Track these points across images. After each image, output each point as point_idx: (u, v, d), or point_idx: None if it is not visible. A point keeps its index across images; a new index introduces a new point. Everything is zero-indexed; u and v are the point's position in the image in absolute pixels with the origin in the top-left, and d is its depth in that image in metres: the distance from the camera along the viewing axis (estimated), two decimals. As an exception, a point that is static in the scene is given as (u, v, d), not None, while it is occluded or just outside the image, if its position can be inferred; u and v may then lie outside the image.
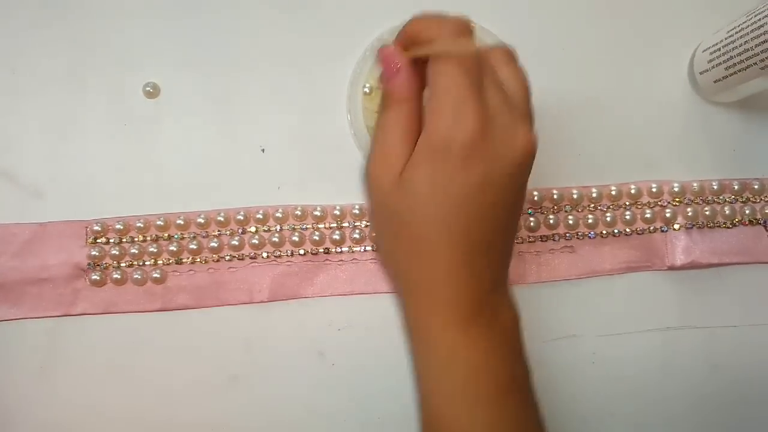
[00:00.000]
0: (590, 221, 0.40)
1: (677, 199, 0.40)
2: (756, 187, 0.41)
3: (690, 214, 0.40)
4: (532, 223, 0.39)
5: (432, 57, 0.27)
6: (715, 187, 0.41)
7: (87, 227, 0.38)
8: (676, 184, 0.40)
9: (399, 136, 0.27)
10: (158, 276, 0.38)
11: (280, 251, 0.38)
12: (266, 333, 0.38)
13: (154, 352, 0.38)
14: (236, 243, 0.38)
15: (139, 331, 0.38)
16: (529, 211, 0.40)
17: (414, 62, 0.28)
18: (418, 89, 0.28)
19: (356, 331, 0.38)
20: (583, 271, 0.40)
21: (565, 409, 0.39)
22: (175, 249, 0.38)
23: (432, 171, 0.26)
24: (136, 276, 0.38)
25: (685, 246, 0.40)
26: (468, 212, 0.27)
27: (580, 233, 0.40)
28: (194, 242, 0.38)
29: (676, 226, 0.40)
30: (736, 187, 0.41)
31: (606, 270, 0.40)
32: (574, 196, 0.40)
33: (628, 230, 0.40)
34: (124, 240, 0.38)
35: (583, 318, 0.40)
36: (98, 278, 0.37)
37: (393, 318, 0.38)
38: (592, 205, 0.40)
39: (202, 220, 0.38)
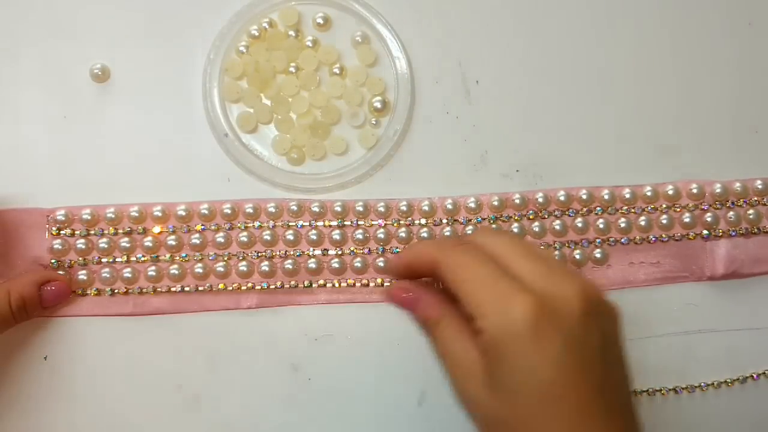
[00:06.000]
0: (623, 225, 0.35)
1: (719, 201, 0.36)
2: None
3: (732, 218, 0.36)
4: (557, 227, 0.35)
5: (443, 267, 0.27)
6: (760, 186, 0.36)
7: (49, 216, 0.33)
8: (718, 185, 0.36)
9: (459, 349, 0.27)
10: (130, 276, 0.33)
11: (272, 251, 0.34)
12: (232, 345, 0.34)
13: (107, 365, 0.33)
14: (222, 240, 0.33)
15: (94, 340, 0.33)
16: (556, 212, 0.35)
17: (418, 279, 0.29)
18: (444, 301, 0.28)
19: (335, 341, 0.34)
20: (614, 282, 0.35)
21: None
22: (150, 245, 0.33)
23: (514, 363, 0.26)
24: (104, 275, 0.32)
25: (727, 254, 0.36)
26: (565, 383, 0.26)
27: (611, 239, 0.35)
28: (173, 237, 0.33)
29: (719, 232, 0.36)
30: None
31: (640, 281, 0.36)
32: (605, 197, 0.35)
33: (664, 236, 0.36)
34: (92, 232, 0.33)
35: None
36: (62, 279, 0.32)
37: (374, 328, 0.34)
38: (625, 208, 0.36)
39: (183, 213, 0.33)
